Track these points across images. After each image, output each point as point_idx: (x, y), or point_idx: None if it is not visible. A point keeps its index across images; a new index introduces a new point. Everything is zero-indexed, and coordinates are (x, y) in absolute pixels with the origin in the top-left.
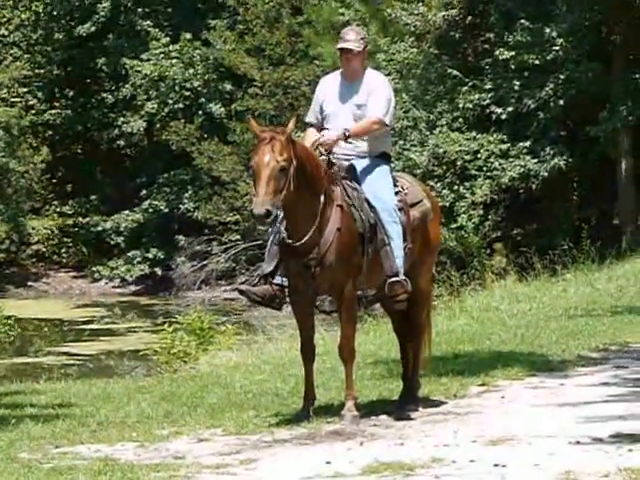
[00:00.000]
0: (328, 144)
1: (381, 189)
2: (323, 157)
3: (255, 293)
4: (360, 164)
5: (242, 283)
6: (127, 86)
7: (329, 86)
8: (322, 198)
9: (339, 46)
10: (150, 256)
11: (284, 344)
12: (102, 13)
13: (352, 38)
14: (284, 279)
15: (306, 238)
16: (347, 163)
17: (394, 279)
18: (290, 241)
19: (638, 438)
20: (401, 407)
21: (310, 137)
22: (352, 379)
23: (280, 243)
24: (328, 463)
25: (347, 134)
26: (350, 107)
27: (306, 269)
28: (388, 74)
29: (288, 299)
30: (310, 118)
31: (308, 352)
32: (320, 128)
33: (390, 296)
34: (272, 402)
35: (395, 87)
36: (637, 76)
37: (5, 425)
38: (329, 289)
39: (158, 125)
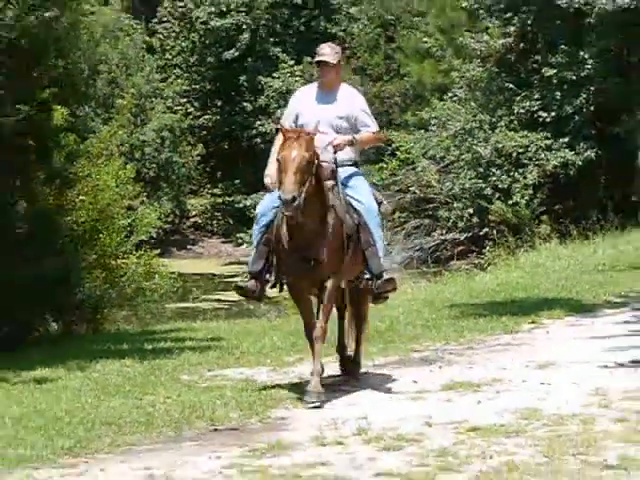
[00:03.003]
0: (341, 145)
1: (364, 195)
2: (331, 157)
3: (249, 289)
4: (341, 171)
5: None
6: (262, 97)
7: (305, 97)
8: (323, 199)
9: (316, 60)
10: None
11: None
12: (243, 42)
13: (328, 52)
14: (268, 275)
15: (310, 236)
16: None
17: (386, 277)
18: (295, 239)
19: None
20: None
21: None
22: (319, 357)
23: (281, 240)
24: (415, 382)
25: (354, 140)
26: (329, 115)
27: (306, 264)
28: (460, 87)
29: (288, 291)
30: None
31: (312, 333)
32: None
33: (380, 292)
34: (372, 336)
35: (465, 97)
36: None
37: (170, 354)
38: (320, 282)
39: None
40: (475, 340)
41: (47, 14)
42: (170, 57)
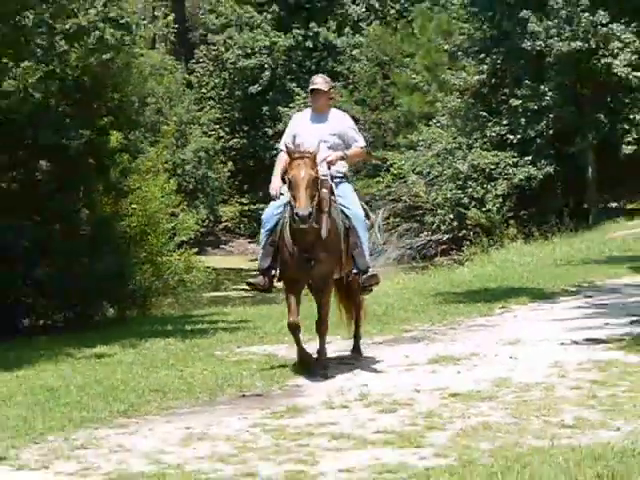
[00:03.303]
0: (334, 161)
1: (353, 203)
2: (326, 171)
3: (259, 284)
4: (334, 183)
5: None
6: (280, 124)
7: (301, 120)
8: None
9: (310, 88)
10: None
11: (381, 282)
12: (265, 79)
13: (320, 81)
14: (275, 271)
15: (311, 239)
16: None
17: (370, 273)
18: (298, 242)
19: (600, 341)
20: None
21: (283, 159)
22: (325, 348)
23: (285, 242)
24: (406, 356)
25: (345, 156)
26: (322, 133)
27: (306, 263)
28: (442, 115)
29: (284, 287)
30: (283, 146)
31: (296, 328)
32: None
33: (365, 286)
34: (371, 318)
35: (446, 123)
36: (597, 116)
37: (206, 334)
38: (319, 279)
39: None
40: (456, 322)
41: (105, 56)
42: (205, 91)
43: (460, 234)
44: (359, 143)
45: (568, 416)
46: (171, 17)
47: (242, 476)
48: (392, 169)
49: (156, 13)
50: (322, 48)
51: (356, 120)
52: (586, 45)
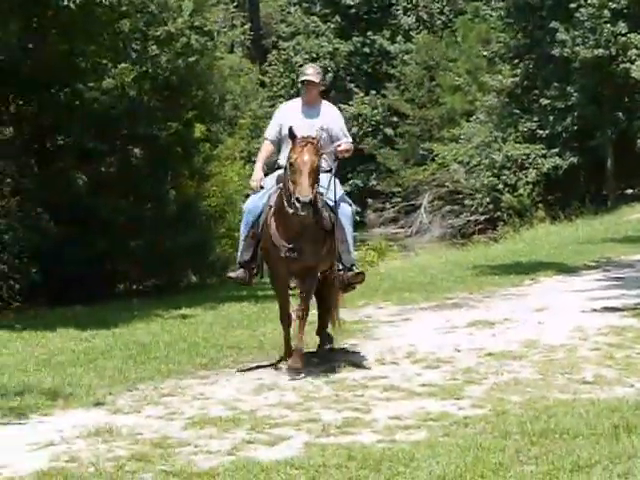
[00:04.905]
0: (350, 151)
1: (341, 199)
2: (330, 163)
3: (239, 277)
4: (324, 177)
5: (232, 270)
6: None
7: (290, 110)
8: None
9: (301, 79)
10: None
11: (426, 256)
12: (328, 80)
13: (311, 72)
14: (255, 264)
15: (297, 231)
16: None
17: (356, 271)
18: (283, 233)
19: (617, 309)
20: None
21: (266, 148)
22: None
23: (270, 233)
24: (448, 321)
25: (350, 149)
26: (312, 127)
27: (291, 254)
28: (481, 113)
29: (270, 278)
30: (269, 135)
31: (287, 320)
32: (276, 143)
33: (349, 283)
34: (418, 287)
35: (484, 119)
36: (616, 114)
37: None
38: (302, 271)
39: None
40: (491, 291)
41: (190, 59)
42: (276, 90)
43: (495, 215)
44: (349, 138)
45: (588, 374)
46: (247, 26)
47: (306, 422)
48: (437, 159)
49: (234, 22)
50: (377, 54)
51: (406, 116)
52: (607, 52)
